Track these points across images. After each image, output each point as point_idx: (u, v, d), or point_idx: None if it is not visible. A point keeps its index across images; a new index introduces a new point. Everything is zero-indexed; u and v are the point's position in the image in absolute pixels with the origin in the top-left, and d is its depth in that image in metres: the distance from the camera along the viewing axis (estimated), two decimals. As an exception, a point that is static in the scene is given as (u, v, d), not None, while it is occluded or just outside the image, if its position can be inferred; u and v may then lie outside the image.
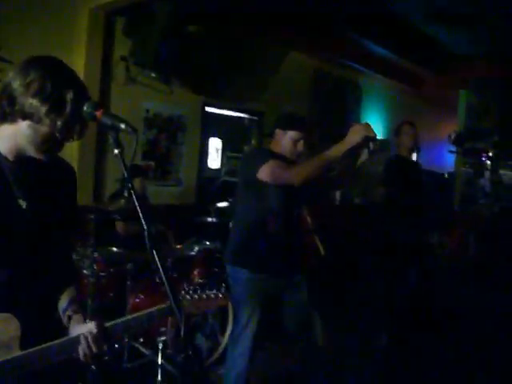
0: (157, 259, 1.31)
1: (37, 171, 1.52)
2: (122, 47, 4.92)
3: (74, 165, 4.83)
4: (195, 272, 4.02)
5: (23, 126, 1.41)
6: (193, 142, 5.73)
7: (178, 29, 4.81)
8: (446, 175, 8.71)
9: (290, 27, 6.12)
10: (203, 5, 4.94)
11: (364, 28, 6.59)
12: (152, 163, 5.23)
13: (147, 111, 5.20)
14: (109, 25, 4.89)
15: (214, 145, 7.59)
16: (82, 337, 1.43)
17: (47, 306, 1.60)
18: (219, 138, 7.78)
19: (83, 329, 1.46)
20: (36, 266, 1.51)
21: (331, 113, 7.32)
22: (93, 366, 3.09)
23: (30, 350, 1.38)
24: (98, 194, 4.89)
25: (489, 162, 6.90)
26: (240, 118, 6.22)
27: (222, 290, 1.73)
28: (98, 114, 1.43)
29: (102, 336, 1.45)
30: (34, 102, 1.37)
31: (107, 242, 3.83)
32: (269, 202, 2.74)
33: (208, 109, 5.86)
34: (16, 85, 1.38)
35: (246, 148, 6.07)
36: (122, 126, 1.37)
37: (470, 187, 7.93)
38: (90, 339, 1.43)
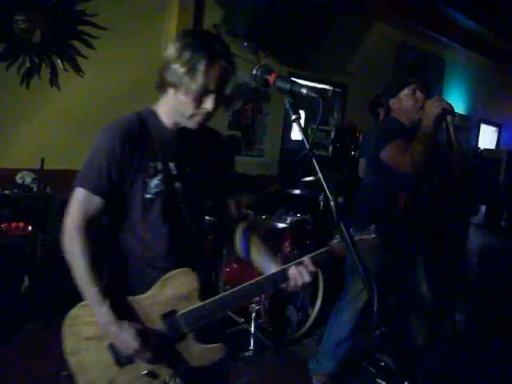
0: (345, 231, 1.28)
1: (193, 140, 1.60)
2: (213, 15, 4.86)
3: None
4: (286, 243, 4.00)
5: (170, 93, 1.48)
6: (277, 114, 5.67)
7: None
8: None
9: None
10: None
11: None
12: (238, 134, 5.21)
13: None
14: (200, -8, 4.85)
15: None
16: (302, 265, 1.53)
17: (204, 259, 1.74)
18: (302, 109, 7.58)
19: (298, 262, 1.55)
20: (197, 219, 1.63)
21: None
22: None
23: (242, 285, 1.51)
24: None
25: None
26: (324, 89, 6.11)
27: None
28: (271, 78, 1.40)
29: (313, 266, 1.54)
30: (175, 67, 1.42)
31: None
32: (400, 178, 2.66)
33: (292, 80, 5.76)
34: (168, 54, 1.45)
35: (332, 119, 6.00)
36: (304, 90, 1.33)
37: None
38: (305, 268, 1.52)
